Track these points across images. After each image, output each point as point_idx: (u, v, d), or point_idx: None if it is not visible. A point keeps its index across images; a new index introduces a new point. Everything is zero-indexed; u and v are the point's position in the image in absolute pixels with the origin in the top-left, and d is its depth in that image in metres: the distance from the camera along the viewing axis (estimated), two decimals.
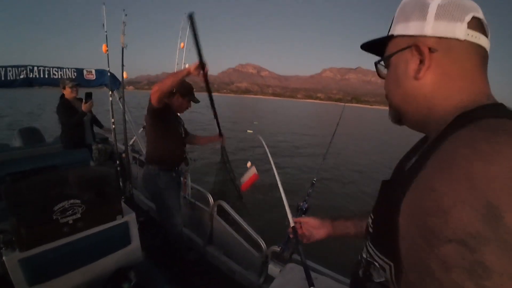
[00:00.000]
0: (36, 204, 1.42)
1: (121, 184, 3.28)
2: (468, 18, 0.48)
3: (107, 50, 3.15)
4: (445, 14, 0.48)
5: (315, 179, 2.11)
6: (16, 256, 1.37)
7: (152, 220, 3.02)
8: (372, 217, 0.62)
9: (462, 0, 0.49)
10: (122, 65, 3.13)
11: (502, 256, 0.30)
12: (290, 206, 1.25)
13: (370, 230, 0.61)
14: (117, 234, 1.74)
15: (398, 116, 0.60)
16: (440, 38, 0.49)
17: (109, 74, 3.55)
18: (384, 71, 0.62)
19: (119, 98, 3.55)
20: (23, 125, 4.90)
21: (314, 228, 0.99)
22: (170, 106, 2.16)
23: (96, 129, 3.77)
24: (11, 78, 2.99)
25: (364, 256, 0.61)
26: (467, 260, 0.31)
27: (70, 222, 1.52)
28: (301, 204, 1.87)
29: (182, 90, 2.16)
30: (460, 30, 0.48)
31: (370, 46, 0.64)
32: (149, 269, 1.76)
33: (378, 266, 0.54)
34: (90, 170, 2.02)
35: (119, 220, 1.72)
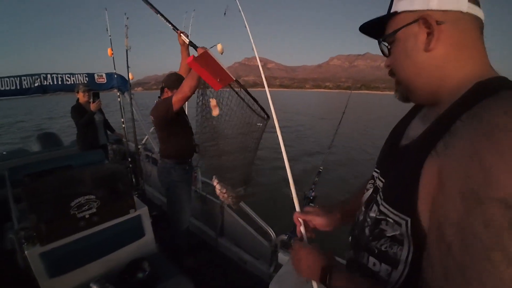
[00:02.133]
0: (54, 201, 1.49)
1: (133, 180, 3.38)
2: None
3: (112, 54, 3.23)
4: None
5: (321, 168, 2.14)
6: (37, 250, 1.46)
7: (165, 214, 3.11)
8: (384, 180, 0.65)
9: None
10: (128, 67, 3.21)
11: None
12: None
13: (381, 192, 0.64)
14: (131, 227, 1.82)
15: (406, 92, 0.63)
16: (445, 11, 0.52)
17: (116, 76, 3.64)
18: (386, 49, 0.64)
19: (130, 99, 3.63)
20: (41, 131, 5.09)
21: (321, 226, 0.90)
22: None
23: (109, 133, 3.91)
24: (26, 86, 3.13)
25: (373, 215, 0.64)
26: (507, 217, 0.36)
27: (87, 216, 1.60)
28: (308, 192, 1.91)
29: (169, 83, 2.09)
30: (463, 2, 0.51)
31: (368, 28, 0.66)
32: (162, 260, 1.83)
33: (392, 221, 0.57)
34: (103, 168, 2.10)
35: (132, 214, 1.80)
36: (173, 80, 2.06)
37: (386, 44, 0.63)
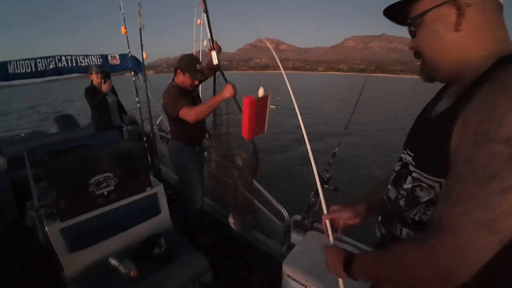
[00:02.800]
0: (73, 179, 1.53)
1: (149, 160, 3.43)
2: None
3: (126, 32, 3.20)
4: None
5: (336, 149, 2.11)
6: (57, 226, 1.51)
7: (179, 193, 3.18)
8: (412, 154, 0.68)
9: None
10: (142, 46, 3.17)
11: None
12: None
13: (412, 161, 0.67)
14: (147, 204, 1.86)
15: (431, 72, 0.66)
16: None
17: (130, 56, 3.62)
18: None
19: (144, 81, 3.62)
20: (58, 113, 5.20)
21: (348, 219, 0.94)
22: (185, 91, 2.12)
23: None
24: (42, 68, 3.16)
25: (408, 186, 0.67)
26: (507, 153, 0.44)
27: (105, 193, 1.64)
28: (323, 174, 1.90)
29: (182, 65, 2.05)
30: None
31: (391, 11, 0.68)
32: (178, 237, 1.87)
33: (426, 186, 0.61)
34: (119, 147, 2.14)
35: (148, 192, 1.83)
36: (187, 63, 2.03)
37: (412, 27, 0.66)
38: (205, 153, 2.60)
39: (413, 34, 0.66)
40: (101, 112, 3.44)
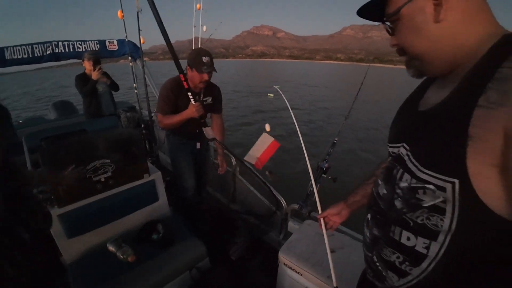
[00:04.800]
0: (70, 163, 1.52)
1: (147, 147, 3.41)
2: None
3: (123, 16, 3.12)
4: None
5: (336, 139, 2.10)
6: (55, 212, 1.51)
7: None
8: (410, 148, 0.63)
9: None
10: (139, 29, 3.09)
11: None
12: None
13: (414, 159, 0.60)
14: (145, 191, 1.86)
15: (421, 67, 0.62)
16: None
17: (127, 40, 3.54)
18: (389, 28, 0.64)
19: (142, 66, 3.55)
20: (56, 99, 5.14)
21: (339, 218, 1.05)
22: (180, 95, 1.99)
23: (122, 98, 3.78)
24: (38, 54, 3.10)
25: (405, 185, 0.61)
26: None
27: (102, 180, 1.64)
28: (321, 163, 1.89)
29: (189, 61, 1.94)
30: None
31: (367, 11, 0.64)
32: (176, 223, 1.88)
33: (433, 188, 0.54)
34: (116, 133, 2.12)
35: (146, 178, 1.83)
36: (193, 57, 1.90)
37: (389, 24, 0.62)
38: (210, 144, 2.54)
39: (391, 31, 0.63)
40: (91, 101, 3.34)
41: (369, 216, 0.77)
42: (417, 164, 0.59)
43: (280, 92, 1.89)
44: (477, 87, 0.49)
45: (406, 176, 0.61)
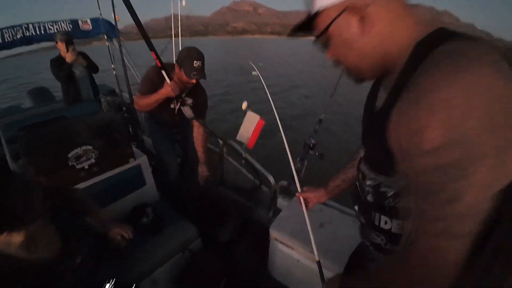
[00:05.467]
0: (51, 152, 1.47)
1: (131, 131, 3.32)
2: None
3: None
4: None
5: (322, 116, 2.10)
6: None
7: None
8: (368, 152, 0.72)
9: None
10: (113, 6, 2.90)
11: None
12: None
13: (364, 161, 0.71)
14: (132, 176, 1.83)
15: (358, 75, 0.65)
16: None
17: (101, 18, 3.36)
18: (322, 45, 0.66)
19: (119, 46, 3.37)
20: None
21: (316, 198, 1.14)
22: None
23: (99, 82, 3.60)
24: (9, 39, 2.94)
25: (369, 182, 0.70)
26: (436, 164, 0.44)
27: (86, 167, 1.59)
28: (308, 140, 1.90)
29: (178, 59, 1.83)
30: None
31: (300, 31, 0.66)
32: (165, 207, 1.88)
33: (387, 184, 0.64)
34: (97, 117, 2.05)
35: (131, 163, 1.80)
36: (181, 57, 1.79)
37: (321, 41, 0.64)
38: None
39: (324, 47, 0.65)
40: (69, 86, 3.15)
41: (356, 207, 0.84)
42: (368, 163, 0.68)
43: (259, 75, 1.86)
44: (395, 96, 0.53)
45: (369, 175, 0.70)
